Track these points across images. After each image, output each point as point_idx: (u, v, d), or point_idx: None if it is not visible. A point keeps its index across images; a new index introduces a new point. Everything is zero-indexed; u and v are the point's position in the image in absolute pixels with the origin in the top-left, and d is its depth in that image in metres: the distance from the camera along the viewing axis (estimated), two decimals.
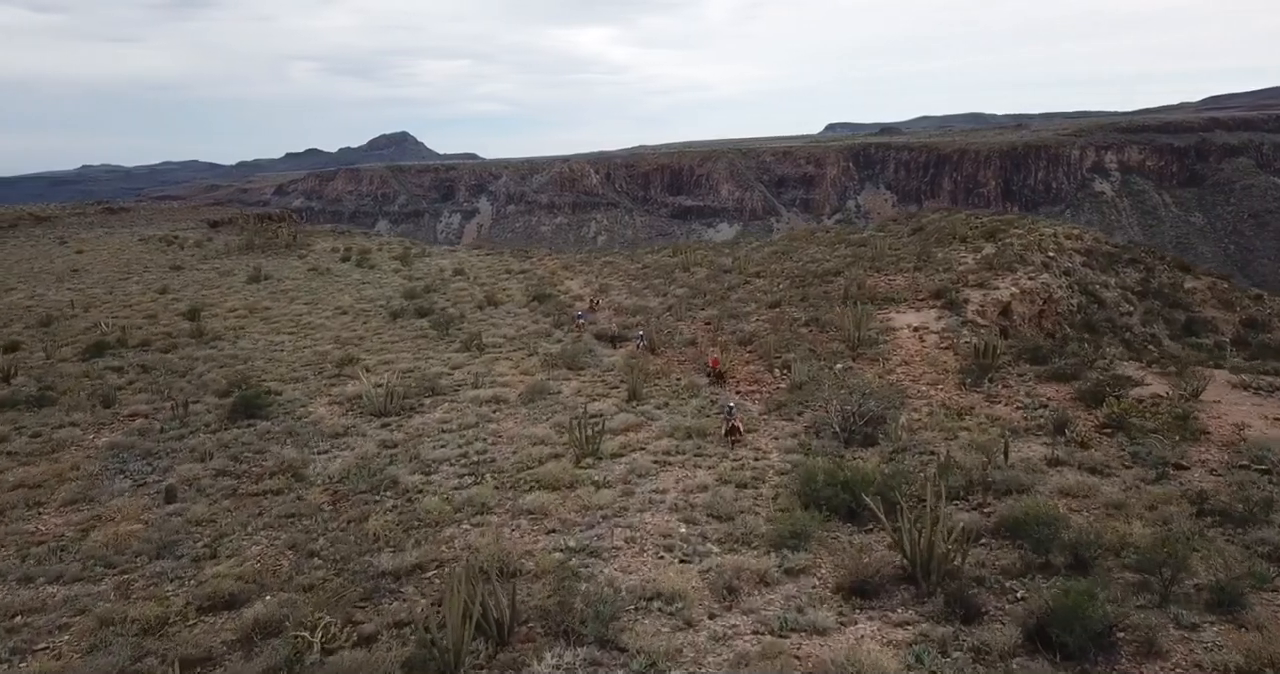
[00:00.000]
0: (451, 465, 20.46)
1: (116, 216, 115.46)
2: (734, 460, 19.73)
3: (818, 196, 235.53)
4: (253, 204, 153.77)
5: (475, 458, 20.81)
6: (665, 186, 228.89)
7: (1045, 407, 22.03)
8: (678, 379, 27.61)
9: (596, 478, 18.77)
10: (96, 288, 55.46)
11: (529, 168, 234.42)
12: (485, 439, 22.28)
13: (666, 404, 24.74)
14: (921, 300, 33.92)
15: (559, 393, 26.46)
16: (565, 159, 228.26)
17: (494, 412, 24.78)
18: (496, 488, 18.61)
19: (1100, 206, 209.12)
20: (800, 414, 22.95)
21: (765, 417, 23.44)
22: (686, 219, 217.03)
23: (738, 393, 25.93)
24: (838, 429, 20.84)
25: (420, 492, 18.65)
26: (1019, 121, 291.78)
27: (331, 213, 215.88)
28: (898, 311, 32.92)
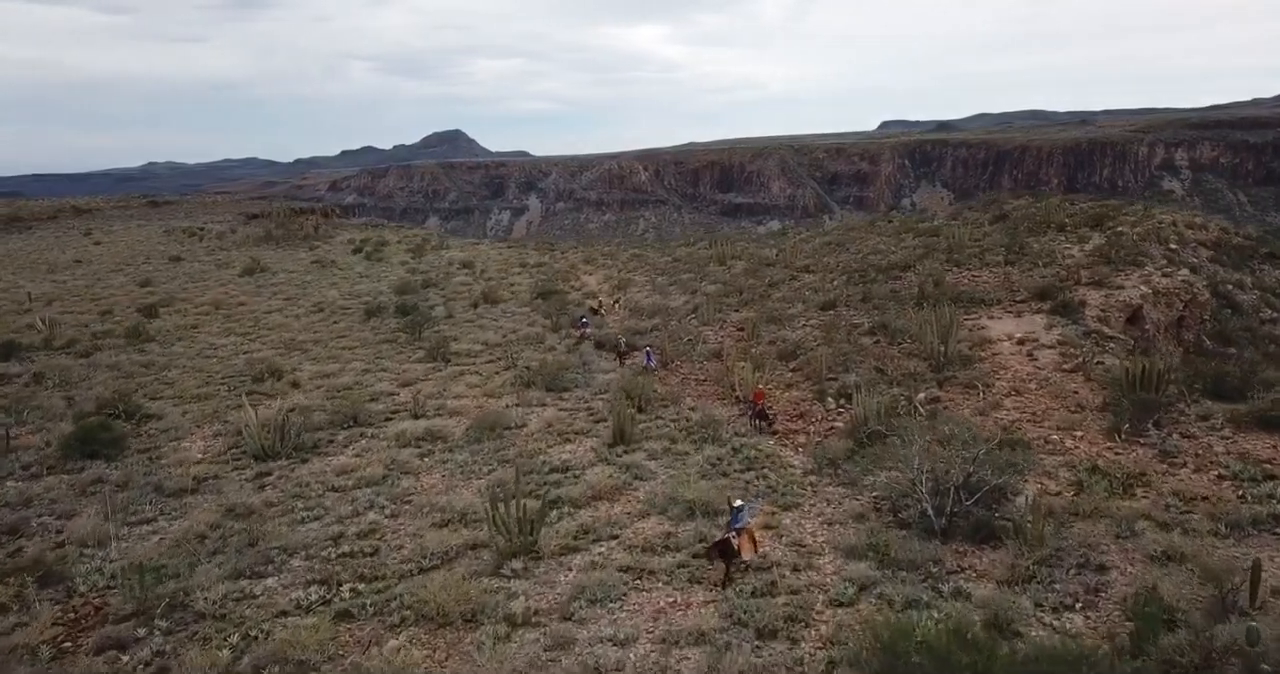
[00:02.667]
0: (308, 559, 12.50)
1: (159, 210, 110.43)
2: (757, 577, 11.36)
3: (872, 194, 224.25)
4: (307, 200, 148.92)
5: (350, 546, 12.82)
6: (715, 183, 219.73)
7: (1273, 477, 13.29)
8: (691, 409, 19.33)
9: (515, 607, 10.59)
10: (82, 280, 48.90)
11: (578, 165, 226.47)
12: (385, 507, 14.28)
13: (667, 450, 16.45)
14: (1021, 302, 25.13)
15: (521, 428, 18.36)
16: (614, 156, 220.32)
17: (420, 457, 16.79)
18: (346, 620, 10.58)
19: (1169, 205, 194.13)
20: (867, 475, 14.48)
21: (813, 478, 15.06)
22: (736, 216, 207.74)
23: (773, 429, 17.56)
24: (930, 510, 12.43)
25: (217, 619, 10.69)
26: (1082, 118, 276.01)
27: (383, 209, 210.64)
28: (991, 316, 24.21)
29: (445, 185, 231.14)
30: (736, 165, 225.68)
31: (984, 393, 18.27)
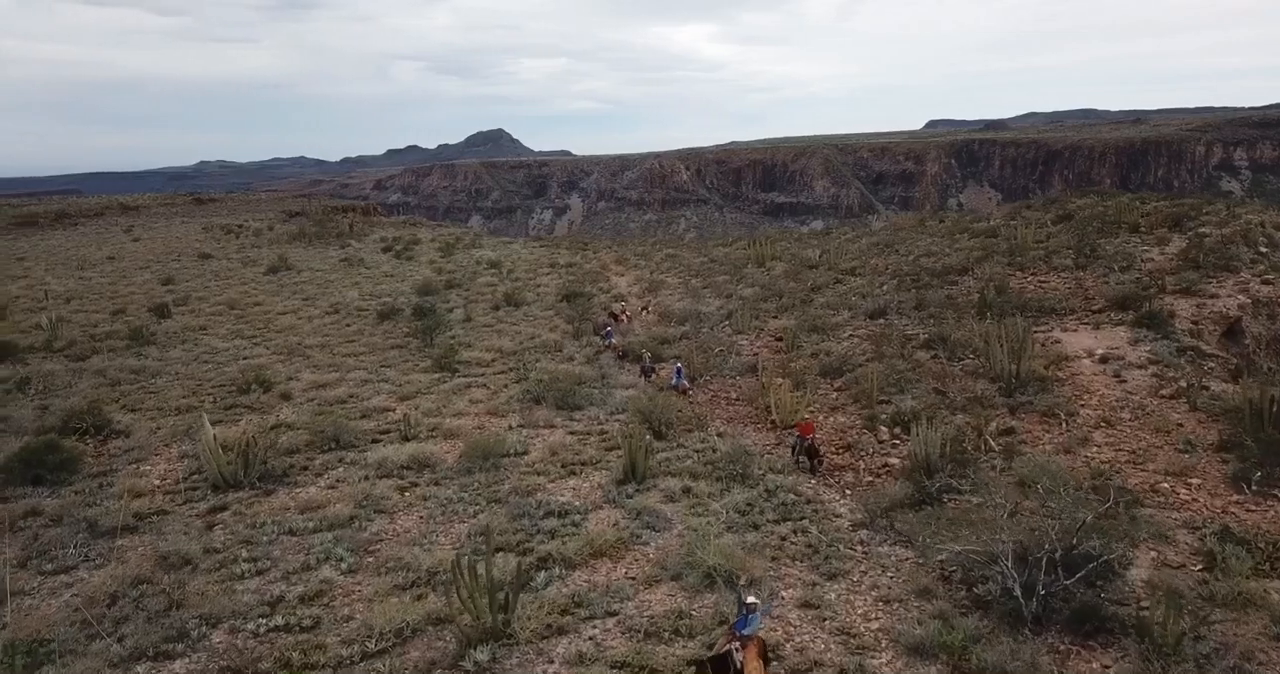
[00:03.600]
0: (231, 633, 9.93)
1: (203, 207, 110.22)
2: None
3: (917, 194, 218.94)
4: (352, 198, 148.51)
5: (287, 616, 10.23)
6: (757, 183, 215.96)
7: None
8: (717, 435, 16.52)
9: None
10: (107, 277, 47.44)
11: (620, 164, 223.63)
12: (343, 560, 11.68)
13: (686, 491, 13.64)
14: (1098, 312, 21.94)
15: (522, 455, 15.69)
16: (656, 156, 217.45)
17: (399, 491, 14.20)
18: None
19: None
20: (930, 534, 11.55)
21: (863, 534, 12.18)
22: (779, 216, 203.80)
23: (812, 461, 14.69)
24: (1015, 587, 9.53)
25: None
26: (1136, 117, 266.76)
27: (426, 208, 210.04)
28: (1064, 328, 21.07)
29: (488, 184, 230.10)
30: (779, 164, 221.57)
31: (1067, 423, 15.21)
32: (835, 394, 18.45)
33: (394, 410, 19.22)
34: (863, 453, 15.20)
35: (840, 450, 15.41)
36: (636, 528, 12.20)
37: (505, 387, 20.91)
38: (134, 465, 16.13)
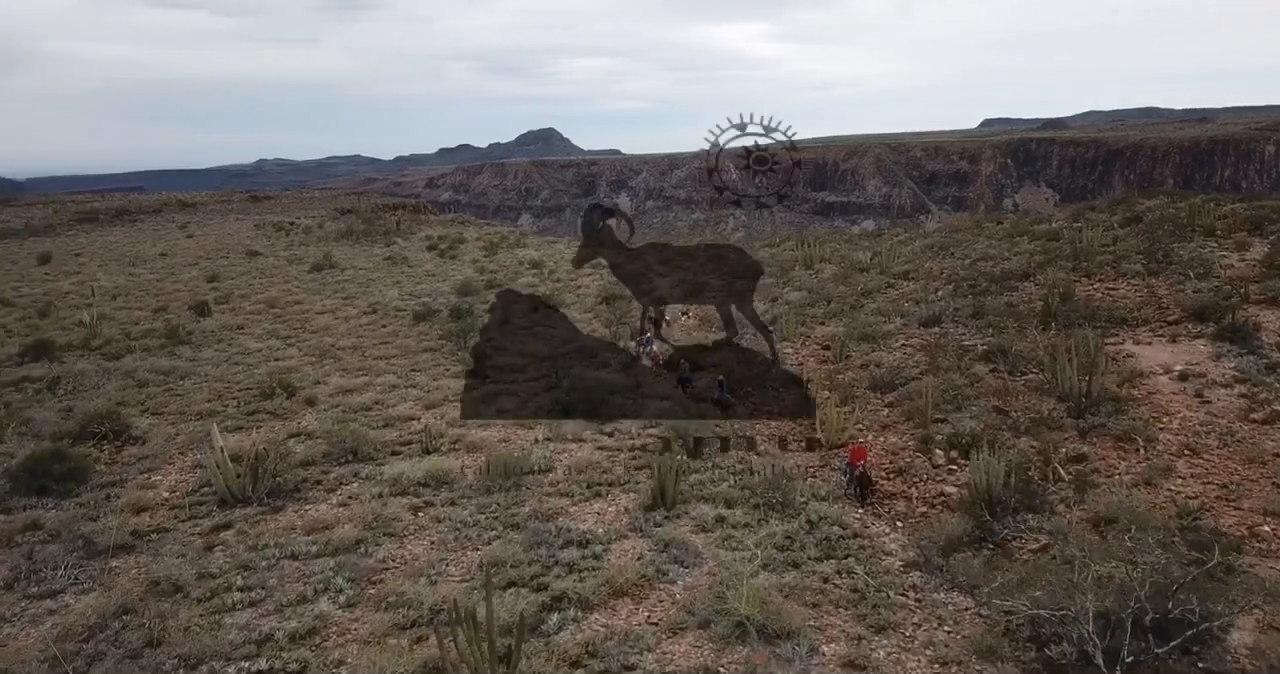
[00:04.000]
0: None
1: (258, 205, 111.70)
2: None
3: (971, 194, 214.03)
4: (405, 196, 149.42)
5: (273, 658, 9.24)
6: (808, 182, 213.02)
7: None
8: (758, 454, 15.24)
9: None
10: (157, 274, 47.69)
11: (669, 163, 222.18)
12: (343, 591, 10.69)
13: (720, 521, 12.40)
14: (1174, 323, 20.20)
15: (546, 473, 14.61)
16: (705, 155, 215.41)
17: (413, 512, 13.20)
18: None
19: None
20: (993, 582, 10.16)
21: (916, 576, 10.84)
22: (829, 215, 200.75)
23: (863, 491, 13.35)
24: (1096, 654, 8.15)
25: None
26: (1202, 116, 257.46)
27: (477, 206, 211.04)
28: (1137, 340, 19.39)
29: (538, 183, 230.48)
30: (830, 163, 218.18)
31: (1146, 450, 13.65)
32: (886, 411, 17.05)
33: (419, 419, 18.30)
34: (916, 479, 13.82)
35: (890, 475, 14.05)
36: (663, 562, 11.01)
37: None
38: (145, 475, 15.39)
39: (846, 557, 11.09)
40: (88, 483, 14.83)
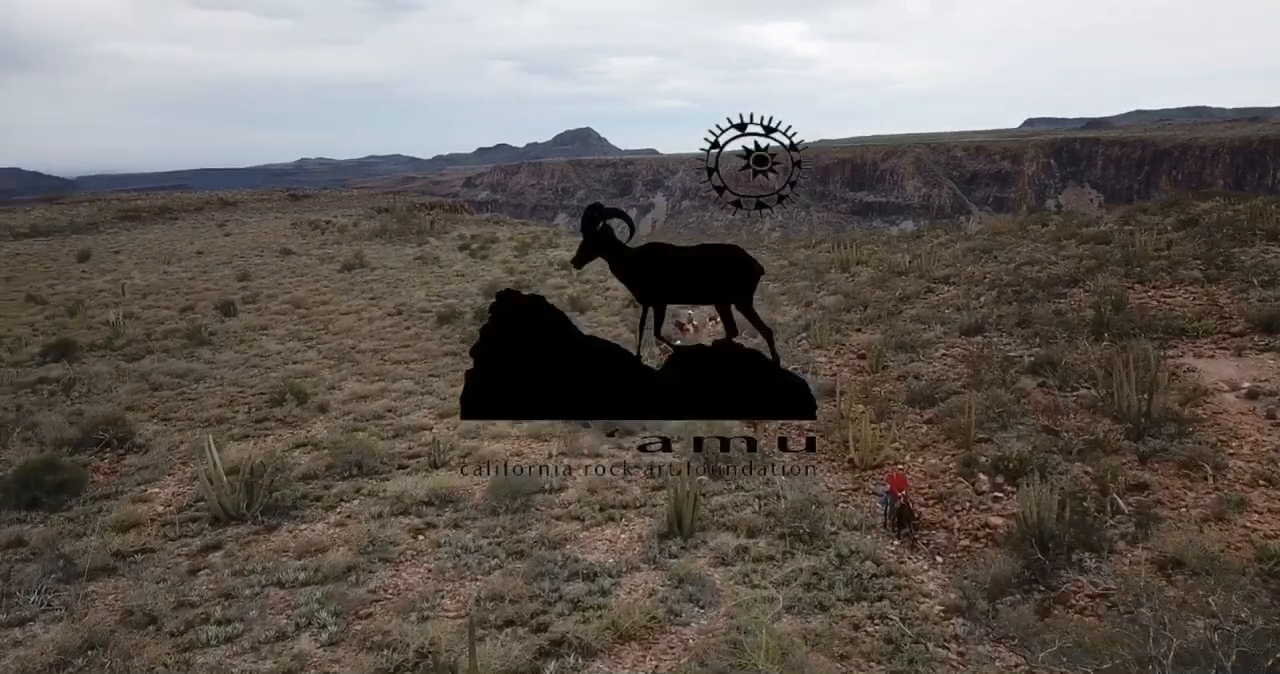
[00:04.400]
0: None
1: (297, 203, 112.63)
2: None
3: (1013, 195, 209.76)
4: (443, 195, 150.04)
5: None
6: (845, 181, 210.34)
7: None
8: (786, 474, 14.11)
9: None
10: (190, 272, 47.64)
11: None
12: (326, 627, 9.79)
13: (741, 552, 11.30)
14: (1238, 335, 18.70)
15: (558, 492, 13.63)
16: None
17: (413, 534, 12.29)
18: None
19: None
20: (1047, 635, 8.94)
21: (958, 624, 9.65)
22: (867, 216, 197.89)
23: (914, 531, 12.14)
24: None
25: None
26: (1254, 115, 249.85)
27: (514, 206, 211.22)
28: (1198, 353, 17.94)
29: (574, 183, 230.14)
30: (869, 163, 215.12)
31: (1215, 479, 12.31)
32: (925, 428, 15.80)
33: (431, 428, 17.43)
34: (957, 506, 12.59)
35: (930, 502, 12.85)
36: (676, 601, 9.95)
37: None
38: (142, 487, 14.65)
39: (880, 598, 9.93)
40: (81, 495, 14.13)
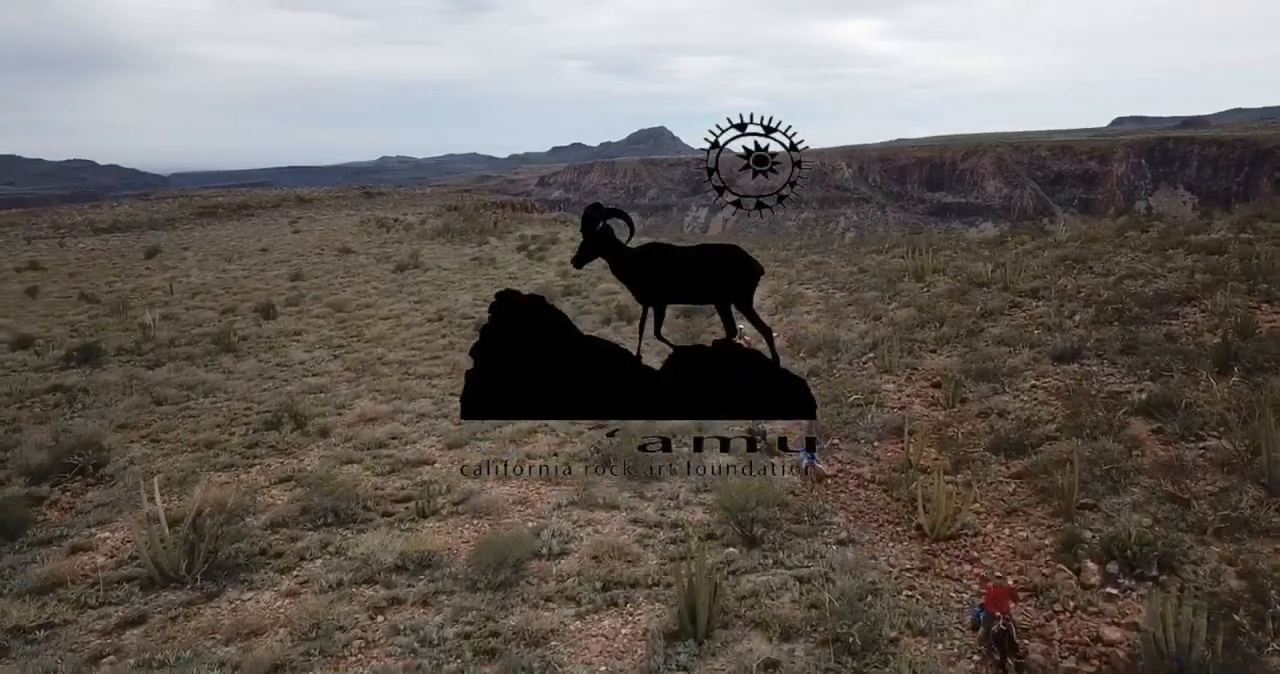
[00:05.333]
0: None
1: (371, 201, 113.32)
2: None
3: (1100, 196, 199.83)
4: (516, 194, 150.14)
5: None
6: (923, 181, 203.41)
7: None
8: (840, 544, 11.32)
9: None
10: (246, 271, 46.81)
11: None
12: None
13: (772, 667, 8.62)
14: None
15: (559, 558, 11.12)
16: (816, 153, 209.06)
17: (371, 614, 9.95)
18: None
19: None
20: None
21: None
22: (945, 216, 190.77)
23: (1005, 656, 9.30)
24: None
25: None
26: None
27: (586, 205, 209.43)
28: None
29: (646, 182, 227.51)
30: (948, 163, 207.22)
31: None
32: (1013, 486, 12.81)
33: (434, 463, 15.15)
34: (1058, 605, 9.65)
35: (1021, 595, 9.94)
36: None
37: (580, 433, 16.47)
38: (91, 530, 12.66)
39: None
40: (19, 539, 12.21)
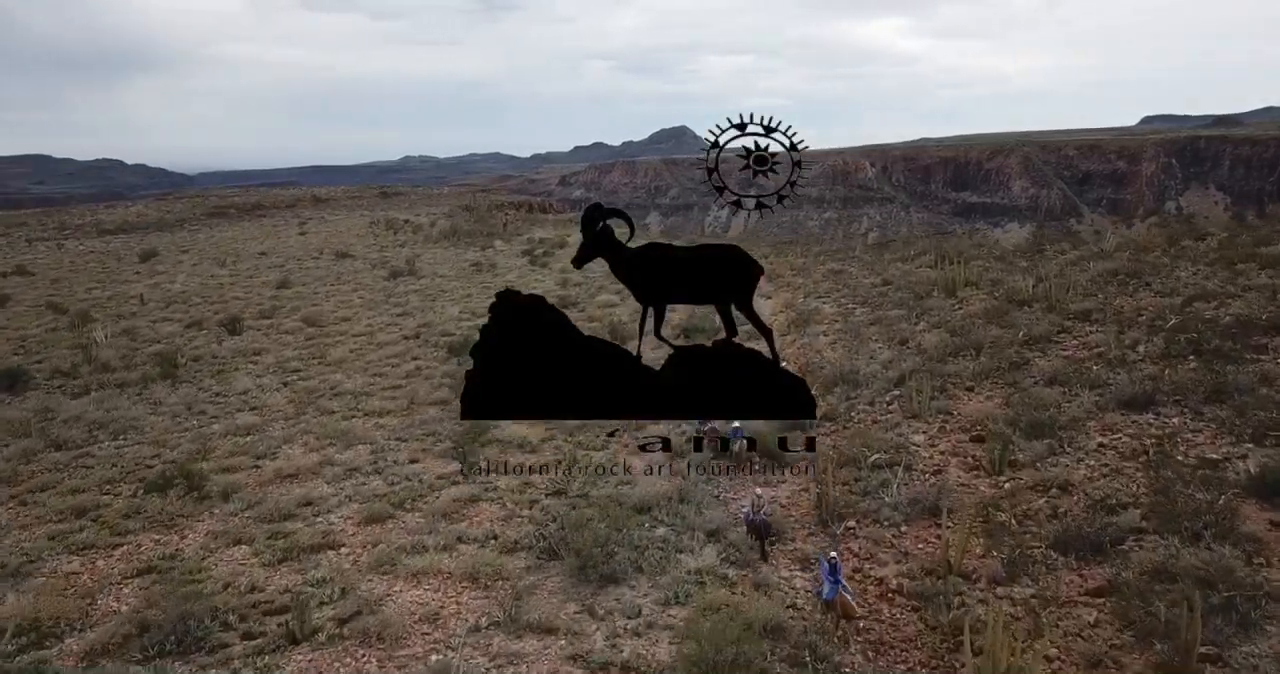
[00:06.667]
0: None
1: (387, 200, 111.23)
2: None
3: (1129, 196, 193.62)
4: (538, 193, 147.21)
5: None
6: (948, 181, 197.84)
7: None
8: None
9: None
10: (234, 277, 43.88)
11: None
12: None
13: None
14: None
15: None
16: (839, 153, 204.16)
17: None
18: None
19: None
20: None
21: None
22: (969, 217, 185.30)
23: None
24: None
25: None
26: None
27: (607, 205, 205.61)
28: None
29: (667, 181, 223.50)
30: (973, 162, 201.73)
31: None
32: (1093, 613, 9.22)
33: (340, 548, 11.80)
34: None
35: None
36: None
37: (531, 504, 13.08)
38: None
39: None
40: None
